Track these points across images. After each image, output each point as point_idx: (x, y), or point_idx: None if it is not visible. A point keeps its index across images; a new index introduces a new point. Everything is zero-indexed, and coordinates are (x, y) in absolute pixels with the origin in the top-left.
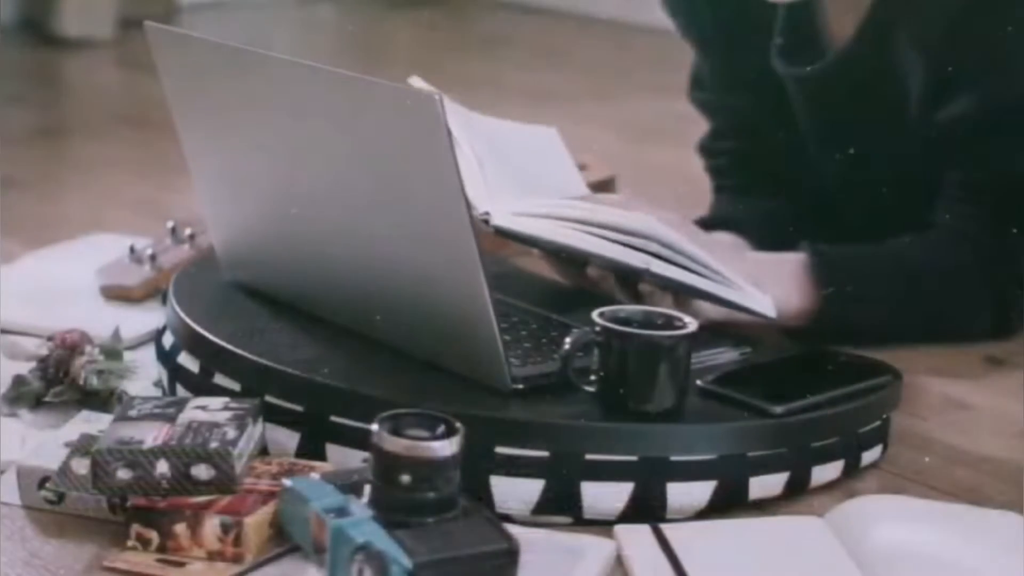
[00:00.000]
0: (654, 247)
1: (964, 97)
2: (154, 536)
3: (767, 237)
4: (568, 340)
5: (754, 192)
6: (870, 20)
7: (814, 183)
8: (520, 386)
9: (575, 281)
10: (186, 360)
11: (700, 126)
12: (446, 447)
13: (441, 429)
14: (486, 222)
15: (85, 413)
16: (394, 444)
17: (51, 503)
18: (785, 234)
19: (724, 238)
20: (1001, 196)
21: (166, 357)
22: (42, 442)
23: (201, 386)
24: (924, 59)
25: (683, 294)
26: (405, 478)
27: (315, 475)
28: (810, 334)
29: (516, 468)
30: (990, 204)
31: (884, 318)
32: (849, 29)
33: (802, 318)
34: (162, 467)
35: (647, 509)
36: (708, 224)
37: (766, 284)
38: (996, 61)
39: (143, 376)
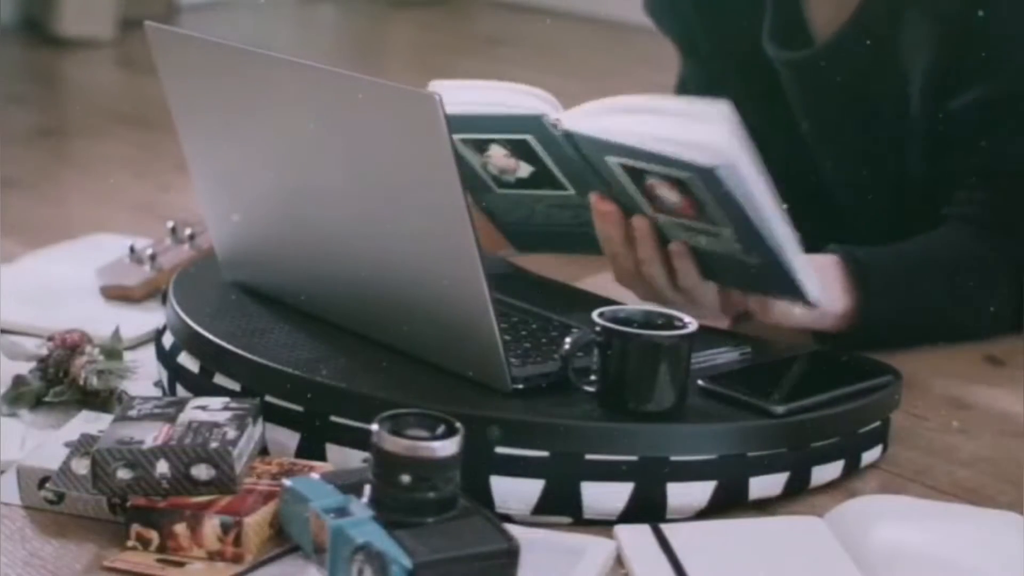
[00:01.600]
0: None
1: (979, 83)
2: (154, 536)
3: None
4: (568, 340)
5: None
6: (868, 4)
7: (811, 179)
8: (520, 386)
9: (629, 276)
10: (186, 360)
11: None
12: (446, 447)
13: (441, 429)
14: (555, 126)
15: (85, 413)
16: (394, 444)
17: (51, 503)
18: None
19: None
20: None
21: (166, 357)
22: (42, 442)
23: (201, 386)
24: (935, 43)
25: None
26: (405, 478)
27: (315, 475)
28: (846, 340)
29: (516, 468)
30: (1011, 191)
31: (923, 318)
32: (835, 13)
33: (843, 321)
34: (162, 467)
35: (647, 509)
36: None
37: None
38: (1013, 45)
39: (143, 376)
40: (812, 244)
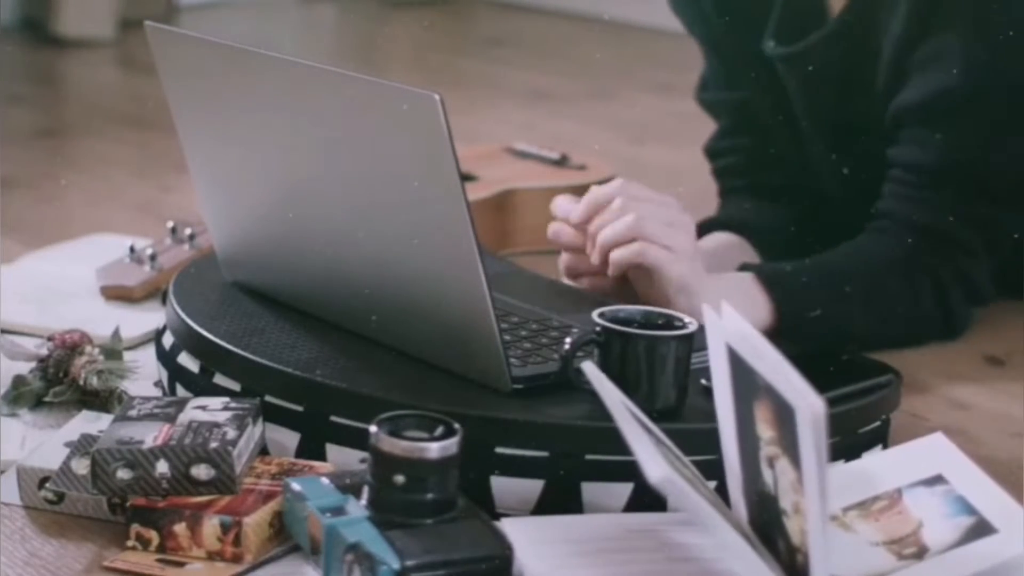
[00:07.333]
0: None
1: (932, 70)
2: (154, 536)
3: (775, 239)
4: (568, 340)
5: (763, 192)
6: None
7: (817, 181)
8: (520, 386)
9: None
10: (186, 360)
11: (700, 126)
12: (442, 448)
13: (439, 430)
14: None
15: (85, 413)
16: (390, 445)
17: (51, 503)
18: (793, 236)
19: (723, 239)
20: (951, 185)
21: (166, 357)
22: (42, 442)
23: (201, 386)
24: (903, 23)
25: None
26: (400, 479)
27: (322, 475)
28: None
29: (516, 468)
30: (941, 192)
31: (843, 321)
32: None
33: (766, 332)
34: (162, 467)
35: (647, 509)
36: (712, 226)
37: (731, 300)
38: (965, 38)
39: (143, 376)
40: (815, 244)
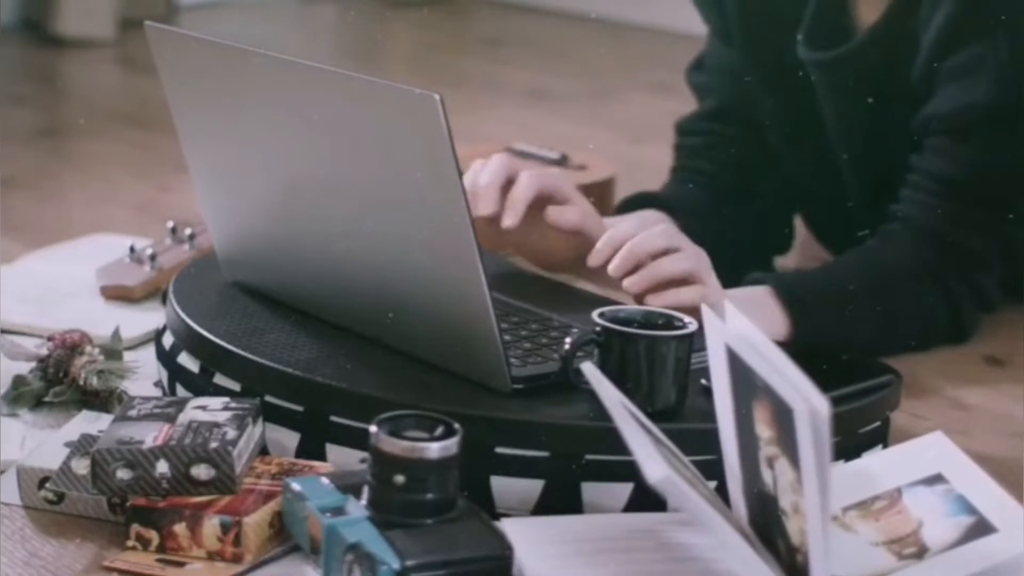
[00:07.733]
0: None
1: (951, 92)
2: (154, 536)
3: (708, 235)
4: (568, 340)
5: (714, 185)
6: (897, 4)
7: (823, 176)
8: (520, 386)
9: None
10: (186, 360)
11: None
12: (442, 448)
13: (440, 431)
14: None
15: (85, 413)
16: (391, 445)
17: (51, 503)
18: (730, 236)
19: (650, 216)
20: (969, 196)
21: (166, 357)
22: (42, 442)
23: (201, 386)
24: (941, 31)
25: None
26: (400, 479)
27: (322, 475)
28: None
29: (516, 468)
30: (964, 203)
31: (857, 330)
32: (876, 15)
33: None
34: (162, 467)
35: (647, 509)
36: (643, 201)
37: (750, 316)
38: (996, 57)
39: (143, 376)
40: (821, 240)
